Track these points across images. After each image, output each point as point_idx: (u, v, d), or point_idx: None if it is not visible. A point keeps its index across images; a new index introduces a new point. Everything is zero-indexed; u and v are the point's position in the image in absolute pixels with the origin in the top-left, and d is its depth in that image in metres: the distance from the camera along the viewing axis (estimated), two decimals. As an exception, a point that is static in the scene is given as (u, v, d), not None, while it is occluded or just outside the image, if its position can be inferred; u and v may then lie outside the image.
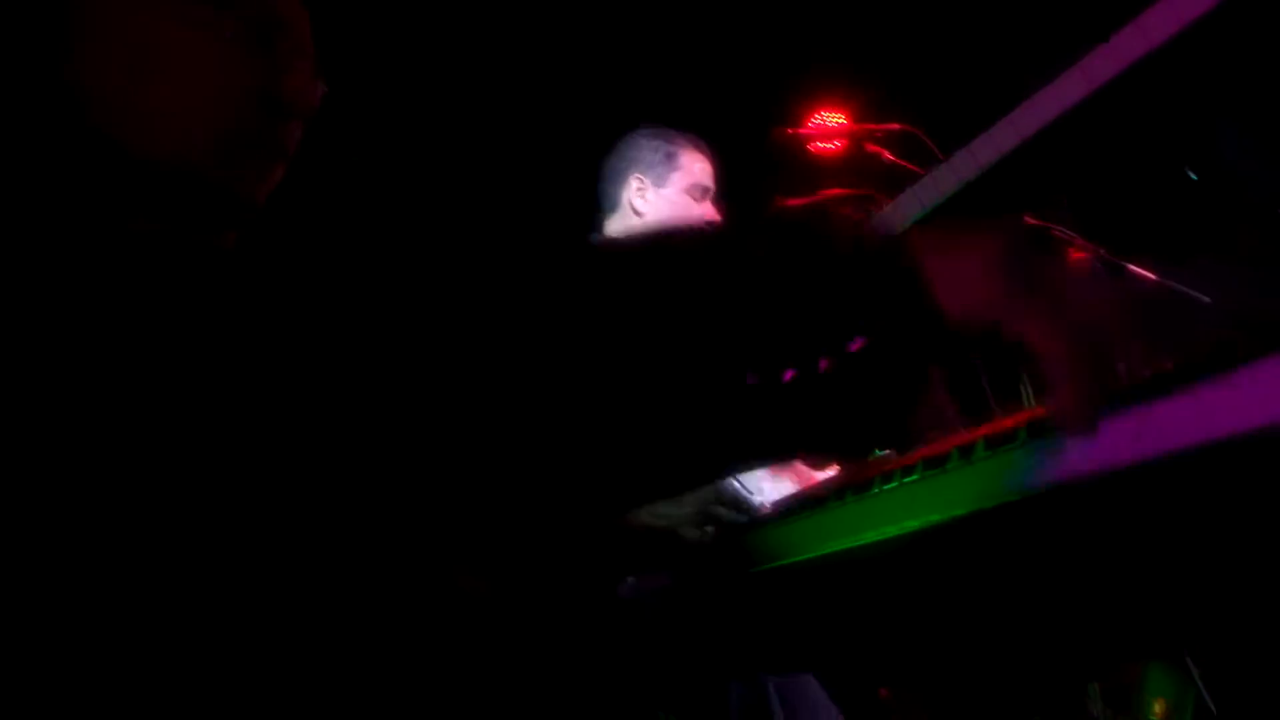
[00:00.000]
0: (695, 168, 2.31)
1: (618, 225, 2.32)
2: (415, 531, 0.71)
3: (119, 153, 0.74)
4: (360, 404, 0.68)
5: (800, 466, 2.29)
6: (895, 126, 2.35)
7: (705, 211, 2.30)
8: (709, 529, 1.36)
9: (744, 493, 1.96)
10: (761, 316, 0.62)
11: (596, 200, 2.39)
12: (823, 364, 0.61)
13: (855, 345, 0.61)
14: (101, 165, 0.73)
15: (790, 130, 2.91)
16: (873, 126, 2.35)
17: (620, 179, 2.32)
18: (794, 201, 2.57)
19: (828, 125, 3.07)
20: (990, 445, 0.70)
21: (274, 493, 0.69)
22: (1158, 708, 2.30)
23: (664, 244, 0.68)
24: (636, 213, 2.29)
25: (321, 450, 0.69)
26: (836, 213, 2.59)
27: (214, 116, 0.77)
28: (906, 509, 0.73)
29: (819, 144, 2.76)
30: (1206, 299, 2.12)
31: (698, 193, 2.30)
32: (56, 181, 0.72)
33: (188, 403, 0.65)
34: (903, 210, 1.01)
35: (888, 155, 2.35)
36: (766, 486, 2.11)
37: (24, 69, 0.71)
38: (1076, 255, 2.27)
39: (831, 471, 2.37)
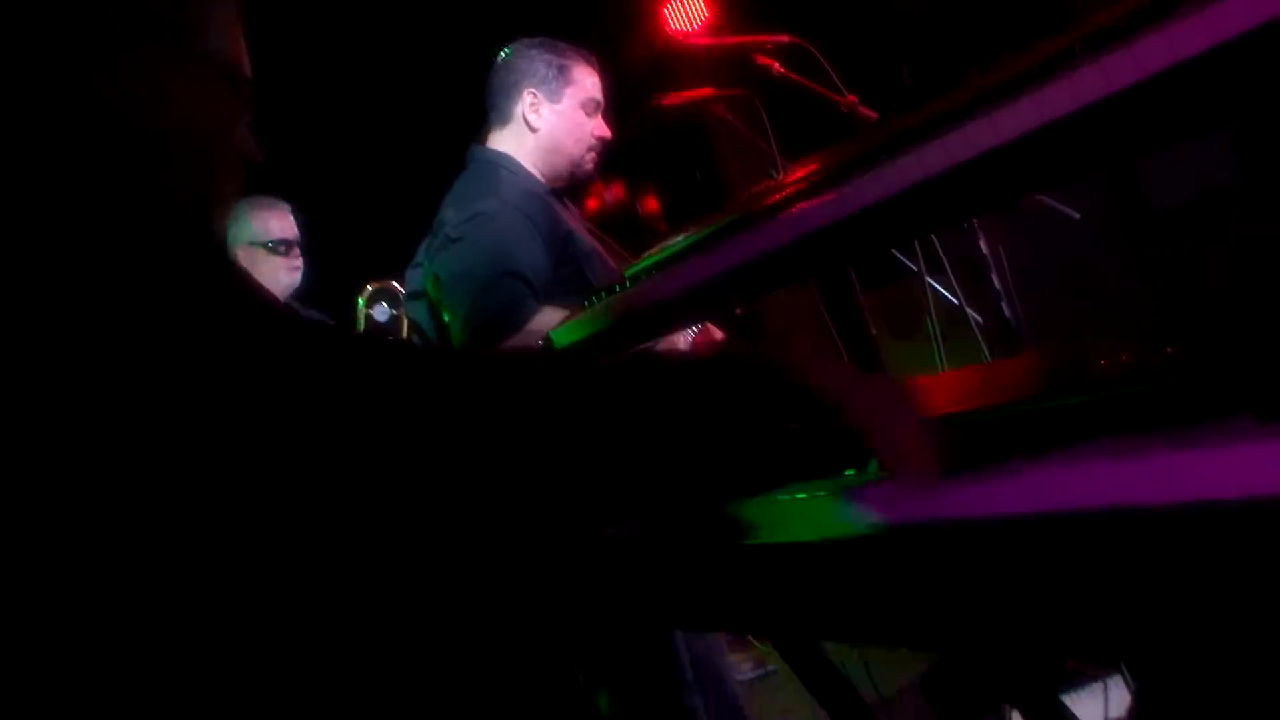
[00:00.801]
0: (587, 82, 2.27)
1: (510, 140, 2.26)
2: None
3: (133, 170, 0.81)
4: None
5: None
6: (785, 39, 2.33)
7: (596, 127, 2.27)
8: None
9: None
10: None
11: (485, 112, 2.31)
12: None
13: None
14: (114, 177, 0.78)
15: (668, 30, 2.86)
16: (763, 38, 2.33)
17: (513, 93, 2.25)
18: (671, 99, 2.56)
19: (704, 25, 3.03)
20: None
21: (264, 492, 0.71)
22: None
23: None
24: (530, 128, 2.23)
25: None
26: (711, 112, 2.55)
27: (203, 154, 0.88)
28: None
29: (695, 42, 2.73)
30: (1075, 214, 2.24)
31: (590, 107, 2.27)
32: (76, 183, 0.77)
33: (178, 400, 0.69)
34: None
35: (778, 68, 2.35)
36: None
37: (62, 82, 0.79)
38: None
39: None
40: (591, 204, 5.66)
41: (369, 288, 2.85)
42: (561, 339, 1.53)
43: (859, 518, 0.80)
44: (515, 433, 0.75)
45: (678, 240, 1.44)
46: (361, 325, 2.83)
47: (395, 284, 2.79)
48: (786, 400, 0.80)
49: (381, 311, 2.83)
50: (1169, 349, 0.87)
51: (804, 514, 0.87)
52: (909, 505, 0.77)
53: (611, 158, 2.57)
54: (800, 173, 1.32)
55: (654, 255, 1.50)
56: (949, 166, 0.92)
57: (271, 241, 2.80)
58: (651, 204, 5.83)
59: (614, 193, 5.97)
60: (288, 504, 0.72)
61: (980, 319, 2.27)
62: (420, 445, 0.73)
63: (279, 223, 2.83)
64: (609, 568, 1.14)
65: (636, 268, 1.52)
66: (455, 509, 0.75)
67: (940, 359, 2.29)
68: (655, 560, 1.05)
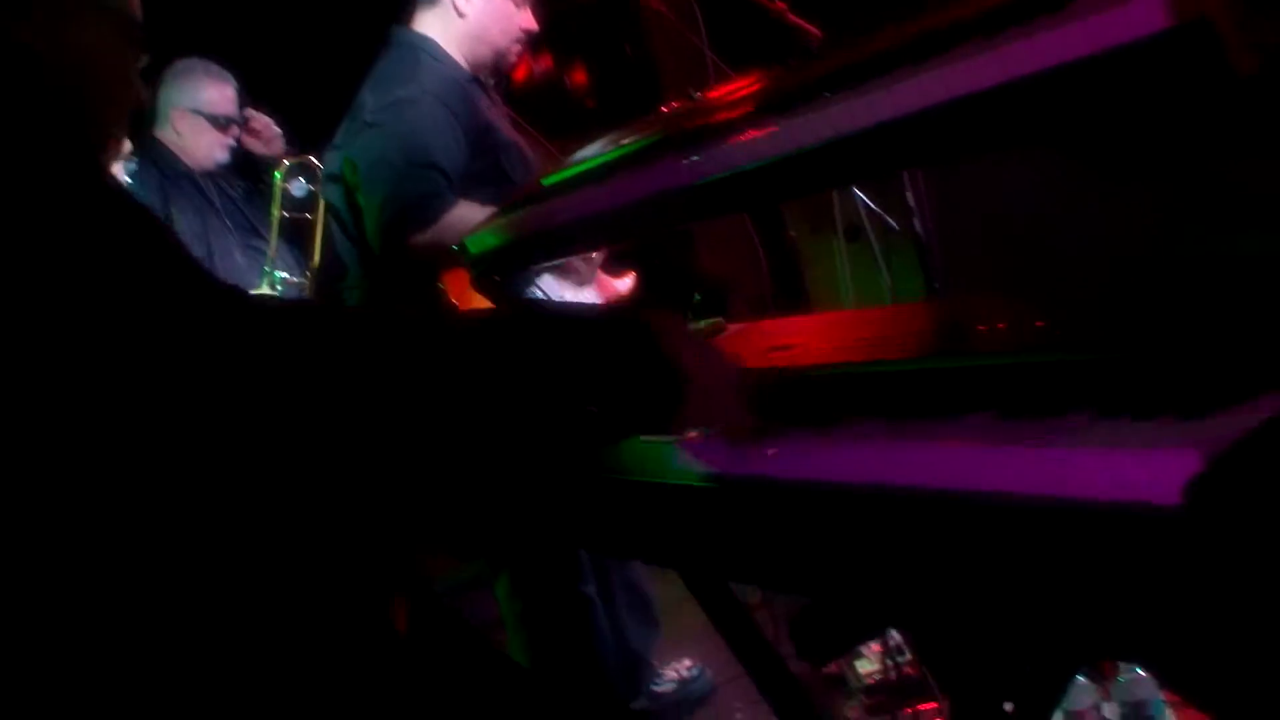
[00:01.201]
0: None
1: (436, 23, 2.20)
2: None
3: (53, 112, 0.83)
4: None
5: (600, 275, 2.36)
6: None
7: (524, 20, 2.23)
8: None
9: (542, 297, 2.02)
10: None
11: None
12: None
13: None
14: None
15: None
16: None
17: None
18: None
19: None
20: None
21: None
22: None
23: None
24: (459, 12, 2.18)
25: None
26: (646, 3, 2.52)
27: (103, 97, 0.96)
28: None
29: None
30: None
31: (521, -1, 2.22)
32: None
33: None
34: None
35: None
36: (568, 295, 2.18)
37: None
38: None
39: (628, 281, 2.46)
40: (519, 74, 5.52)
41: (286, 162, 2.79)
42: (475, 246, 1.54)
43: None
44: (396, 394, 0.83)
45: (601, 152, 1.43)
46: (277, 200, 2.77)
47: (314, 160, 2.73)
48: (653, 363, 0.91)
49: (299, 187, 2.77)
50: (1039, 323, 0.92)
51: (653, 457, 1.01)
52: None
53: (542, 30, 2.53)
54: (731, 94, 1.29)
55: (575, 167, 1.49)
56: (907, 112, 0.85)
57: (214, 115, 2.75)
58: (580, 77, 5.72)
59: (542, 64, 5.82)
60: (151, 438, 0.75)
61: (895, 226, 2.32)
62: (279, 388, 0.79)
63: (225, 97, 2.78)
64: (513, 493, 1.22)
65: (555, 177, 1.52)
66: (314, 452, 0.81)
67: (844, 267, 2.34)
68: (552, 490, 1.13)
